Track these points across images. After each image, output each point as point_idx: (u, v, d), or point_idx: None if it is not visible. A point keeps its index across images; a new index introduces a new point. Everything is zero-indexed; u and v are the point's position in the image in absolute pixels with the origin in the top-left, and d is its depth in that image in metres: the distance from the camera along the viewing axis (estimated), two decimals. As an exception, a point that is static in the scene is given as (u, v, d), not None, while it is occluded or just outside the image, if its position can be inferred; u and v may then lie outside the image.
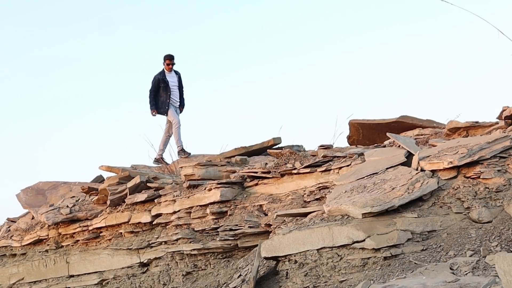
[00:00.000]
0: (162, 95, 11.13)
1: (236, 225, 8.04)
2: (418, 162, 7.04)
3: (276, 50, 25.31)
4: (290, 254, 6.70)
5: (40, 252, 9.72)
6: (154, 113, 11.22)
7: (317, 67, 24.76)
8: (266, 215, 8.01)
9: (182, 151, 10.84)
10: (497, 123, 8.02)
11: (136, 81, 25.40)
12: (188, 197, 8.51)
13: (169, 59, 11.26)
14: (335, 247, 6.41)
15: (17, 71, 25.87)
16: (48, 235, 9.68)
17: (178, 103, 11.31)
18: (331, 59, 25.16)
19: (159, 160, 10.95)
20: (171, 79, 11.26)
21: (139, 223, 8.88)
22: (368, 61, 24.47)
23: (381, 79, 24.13)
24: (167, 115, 11.12)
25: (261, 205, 8.15)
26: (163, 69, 11.24)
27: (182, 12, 26.01)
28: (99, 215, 9.31)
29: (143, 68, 25.61)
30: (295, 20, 25.45)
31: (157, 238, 8.59)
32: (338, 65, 25.14)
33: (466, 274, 5.54)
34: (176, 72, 11.46)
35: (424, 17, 24.43)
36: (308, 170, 8.00)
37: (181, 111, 11.48)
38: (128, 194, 9.10)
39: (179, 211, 8.53)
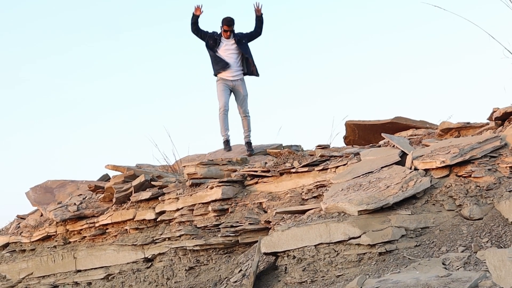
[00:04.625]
0: (218, 58, 9.25)
1: (237, 222, 8.04)
2: (412, 162, 7.04)
3: (275, 54, 25.31)
4: (288, 250, 6.69)
5: (48, 248, 9.72)
6: (197, 10, 9.12)
7: (315, 71, 24.79)
8: (265, 212, 8.01)
9: (225, 143, 9.35)
10: (487, 124, 8.01)
11: (139, 83, 25.42)
12: (191, 195, 8.51)
13: (227, 25, 9.16)
14: (332, 243, 6.41)
15: (28, 75, 25.90)
16: (56, 232, 9.68)
17: (239, 78, 9.31)
18: (328, 64, 25.19)
19: (224, 144, 9.40)
20: (227, 44, 9.25)
21: (144, 220, 8.87)
22: (364, 65, 24.49)
23: (377, 82, 24.15)
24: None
25: (261, 203, 8.15)
26: (221, 32, 9.31)
27: (184, 18, 26.02)
28: (105, 212, 9.31)
29: (146, 71, 25.63)
30: (294, 25, 25.47)
31: (161, 234, 8.59)
32: (335, 69, 25.15)
33: (458, 269, 5.53)
34: (236, 35, 9.31)
35: (418, 23, 24.45)
36: (306, 169, 8.00)
37: (256, 75, 9.40)
38: (133, 192, 9.09)
39: (182, 208, 8.52)
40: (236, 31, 9.35)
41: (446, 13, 8.27)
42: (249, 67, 9.39)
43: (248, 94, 9.46)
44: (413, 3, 23.32)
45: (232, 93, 9.36)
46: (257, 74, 9.44)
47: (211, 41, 9.20)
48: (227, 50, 9.26)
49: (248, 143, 9.14)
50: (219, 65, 9.25)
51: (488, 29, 7.87)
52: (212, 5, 24.66)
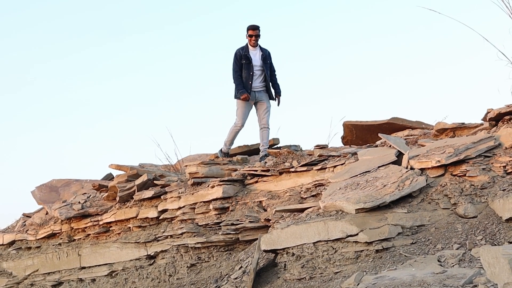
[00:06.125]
0: (243, 76, 8.68)
1: (237, 220, 8.04)
2: (408, 161, 7.03)
3: (274, 56, 25.31)
4: (288, 247, 6.69)
5: (53, 245, 9.72)
6: (245, 98, 8.62)
7: (314, 73, 24.80)
8: (265, 210, 8.01)
9: (222, 152, 9.11)
10: (482, 124, 8.01)
11: (142, 85, 25.43)
12: (192, 194, 8.50)
13: (252, 29, 8.64)
14: (330, 240, 6.41)
15: (34, 77, 25.94)
16: (61, 229, 9.68)
17: (263, 89, 8.81)
18: (327, 65, 25.21)
19: (224, 154, 9.09)
20: (255, 57, 8.72)
21: (147, 218, 8.87)
22: (361, 67, 24.51)
23: (374, 84, 24.17)
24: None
25: (260, 201, 8.14)
26: (247, 44, 8.76)
27: (186, 21, 26.06)
28: (109, 211, 9.31)
29: (149, 73, 25.64)
30: (294, 28, 25.48)
31: (163, 232, 8.59)
32: (333, 70, 25.18)
33: (453, 266, 5.53)
34: (263, 50, 8.81)
35: (414, 26, 24.47)
36: (305, 168, 8.00)
37: (278, 101, 8.96)
38: (136, 191, 9.10)
39: (184, 207, 8.52)
40: (263, 46, 8.95)
41: (441, 17, 8.28)
42: (274, 85, 8.98)
43: (271, 106, 8.95)
44: (409, 7, 23.35)
45: (254, 105, 8.88)
46: (279, 97, 9.00)
47: (244, 60, 8.68)
48: (256, 60, 8.76)
49: (265, 155, 8.70)
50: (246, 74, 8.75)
51: (483, 32, 7.88)
52: (220, 6, 24.72)
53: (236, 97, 8.85)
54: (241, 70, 8.73)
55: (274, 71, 9.05)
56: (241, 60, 8.73)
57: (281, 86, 9.12)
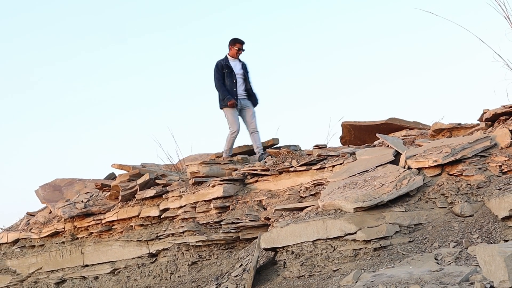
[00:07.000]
0: (227, 84, 8.86)
1: (238, 218, 8.04)
2: (405, 161, 7.04)
3: (274, 58, 25.32)
4: (287, 246, 6.70)
5: (57, 243, 9.73)
6: (232, 103, 8.78)
7: (313, 74, 24.81)
8: (265, 209, 8.01)
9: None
10: (478, 124, 8.02)
11: (144, 86, 25.44)
12: (194, 193, 8.51)
13: (241, 43, 8.92)
14: (329, 239, 6.41)
15: (38, 79, 25.94)
16: (64, 228, 9.68)
17: (246, 96, 9.01)
18: (326, 67, 25.21)
19: (225, 158, 9.06)
20: (236, 66, 8.95)
21: (148, 216, 8.88)
22: (360, 69, 24.51)
23: (372, 85, 24.17)
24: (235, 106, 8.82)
25: (260, 200, 8.15)
26: (226, 55, 9.00)
27: (188, 24, 26.07)
28: (111, 210, 9.31)
29: (151, 74, 25.65)
30: (293, 31, 25.49)
31: (165, 230, 8.60)
32: (332, 72, 25.18)
33: (450, 264, 5.54)
34: (241, 61, 9.10)
35: (412, 29, 24.48)
36: (304, 168, 8.01)
37: (254, 105, 9.13)
38: (138, 190, 9.10)
39: (185, 205, 8.53)
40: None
41: (438, 19, 8.29)
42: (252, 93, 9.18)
43: (256, 111, 9.14)
44: (407, 9, 23.37)
45: (240, 112, 9.04)
46: (256, 104, 9.16)
47: (226, 69, 8.88)
48: (237, 69, 8.99)
49: (263, 154, 8.80)
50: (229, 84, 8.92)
51: (479, 34, 7.89)
52: (222, 8, 24.70)
53: (221, 106, 8.99)
54: (223, 79, 8.91)
55: (250, 83, 9.20)
56: (223, 70, 8.92)
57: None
